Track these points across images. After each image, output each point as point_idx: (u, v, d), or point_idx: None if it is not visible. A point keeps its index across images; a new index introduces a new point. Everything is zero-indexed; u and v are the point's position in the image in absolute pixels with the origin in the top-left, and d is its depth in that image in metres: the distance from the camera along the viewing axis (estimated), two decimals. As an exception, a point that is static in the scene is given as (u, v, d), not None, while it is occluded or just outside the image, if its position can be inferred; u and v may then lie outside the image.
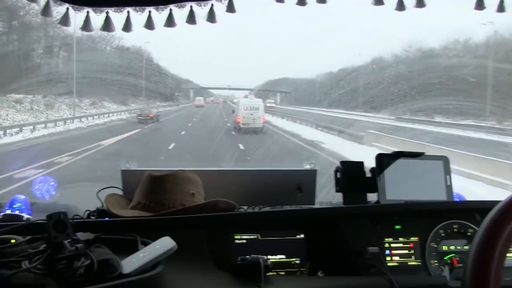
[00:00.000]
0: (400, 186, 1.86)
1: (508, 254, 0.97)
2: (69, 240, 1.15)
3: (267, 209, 1.90)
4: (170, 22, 1.41)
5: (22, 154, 16.15)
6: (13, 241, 1.27)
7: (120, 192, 1.91)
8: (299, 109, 49.63)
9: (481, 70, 29.75)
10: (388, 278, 1.54)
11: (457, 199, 1.99)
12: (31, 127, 24.39)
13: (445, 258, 1.74)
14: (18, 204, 1.79)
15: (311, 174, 2.02)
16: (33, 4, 1.41)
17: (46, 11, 1.38)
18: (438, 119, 31.27)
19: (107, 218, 1.68)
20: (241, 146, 19.42)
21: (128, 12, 1.40)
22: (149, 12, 1.40)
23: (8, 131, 22.47)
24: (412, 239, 1.76)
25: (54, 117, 30.51)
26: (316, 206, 2.03)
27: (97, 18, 1.41)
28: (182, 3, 1.38)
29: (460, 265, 1.70)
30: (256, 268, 1.39)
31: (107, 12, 1.40)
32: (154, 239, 1.35)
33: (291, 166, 2.18)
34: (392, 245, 1.74)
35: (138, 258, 1.25)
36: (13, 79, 31.88)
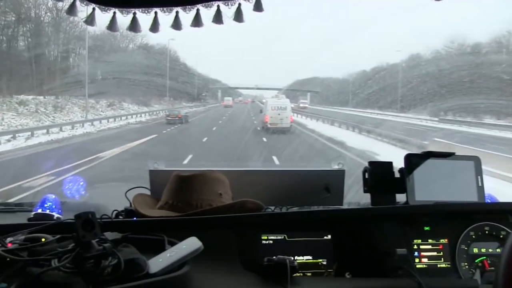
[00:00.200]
0: (429, 187, 1.83)
1: None
2: (97, 239, 1.17)
3: (294, 209, 1.88)
4: (197, 22, 1.40)
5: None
6: (43, 239, 1.29)
7: (148, 192, 1.92)
8: (332, 110, 48.27)
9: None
10: (417, 280, 1.52)
11: (488, 200, 1.94)
12: (29, 133, 21.33)
13: (476, 261, 1.70)
14: (49, 203, 1.83)
15: (339, 175, 1.99)
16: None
17: (72, 10, 1.39)
18: (487, 120, 29.83)
19: (134, 218, 1.69)
20: (276, 161, 14.97)
21: (155, 12, 1.40)
22: (177, 12, 1.40)
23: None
24: (442, 241, 1.73)
25: (61, 120, 28.08)
26: (344, 206, 2.01)
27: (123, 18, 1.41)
28: (209, 3, 1.38)
29: (492, 268, 1.66)
30: (283, 269, 1.39)
31: (134, 13, 1.41)
32: (181, 239, 1.35)
33: (320, 166, 2.15)
34: (421, 246, 1.71)
35: (165, 258, 1.25)
36: (24, 79, 31.02)
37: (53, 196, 1.89)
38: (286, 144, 19.41)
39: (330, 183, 1.96)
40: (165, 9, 1.40)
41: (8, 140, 19.40)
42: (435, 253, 1.71)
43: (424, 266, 1.68)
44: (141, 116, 35.99)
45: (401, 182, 1.83)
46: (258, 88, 66.22)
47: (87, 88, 32.95)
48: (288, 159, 15.38)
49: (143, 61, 41.19)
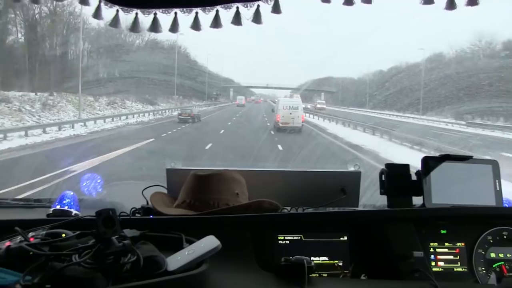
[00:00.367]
0: (446, 190, 1.82)
1: None
2: (116, 236, 1.18)
3: (311, 210, 1.89)
4: (216, 23, 1.42)
5: None
6: (63, 235, 1.31)
7: (165, 191, 1.94)
8: (354, 111, 46.41)
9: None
10: (433, 283, 1.50)
11: (507, 205, 1.92)
12: (1, 135, 17.63)
13: (493, 265, 1.69)
14: (67, 200, 1.84)
15: (355, 176, 1.99)
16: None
17: (97, 14, 1.41)
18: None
19: (151, 216, 1.71)
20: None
21: (175, 13, 1.42)
22: (196, 13, 1.42)
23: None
24: (459, 244, 1.72)
25: (48, 120, 24.35)
26: (360, 208, 2.00)
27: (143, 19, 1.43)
28: (228, 4, 1.39)
29: (511, 274, 1.65)
30: (300, 269, 1.38)
31: (155, 14, 1.43)
32: (199, 237, 1.36)
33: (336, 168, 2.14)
34: (438, 250, 1.71)
35: (183, 256, 1.27)
36: (16, 75, 28.89)
37: (72, 193, 1.90)
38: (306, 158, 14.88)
39: (346, 184, 1.96)
40: (185, 9, 1.42)
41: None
42: (451, 257, 1.70)
43: (441, 269, 1.68)
44: (143, 115, 33.08)
45: (418, 185, 1.83)
46: (271, 87, 65.43)
47: (88, 87, 31.33)
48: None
49: (151, 57, 39.82)
